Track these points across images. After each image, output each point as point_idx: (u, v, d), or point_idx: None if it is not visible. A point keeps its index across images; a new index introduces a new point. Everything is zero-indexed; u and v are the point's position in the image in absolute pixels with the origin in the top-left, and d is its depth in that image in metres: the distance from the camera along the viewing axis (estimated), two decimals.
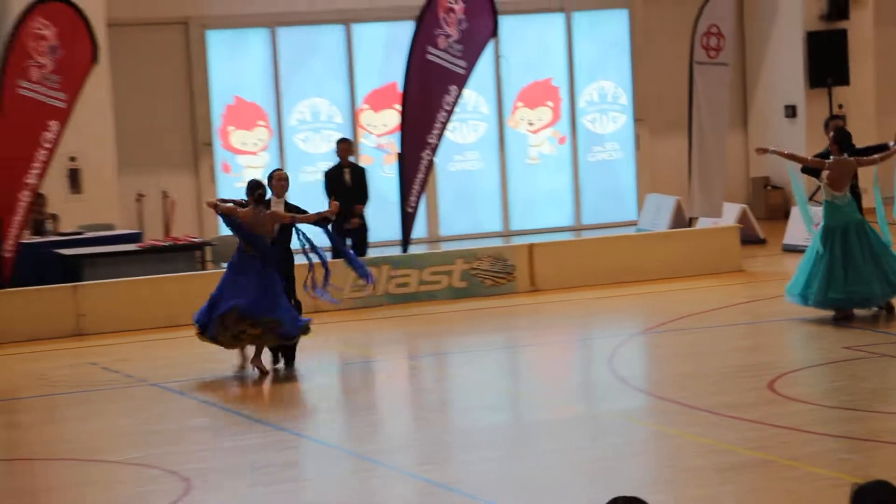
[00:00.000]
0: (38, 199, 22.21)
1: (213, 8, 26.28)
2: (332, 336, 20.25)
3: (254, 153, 26.91)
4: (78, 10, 20.94)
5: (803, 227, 24.11)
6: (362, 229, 22.37)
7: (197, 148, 26.39)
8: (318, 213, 18.26)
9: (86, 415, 16.58)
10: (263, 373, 17.73)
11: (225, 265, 23.01)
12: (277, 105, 26.81)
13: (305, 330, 17.78)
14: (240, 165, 26.91)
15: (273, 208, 18.05)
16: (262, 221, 17.56)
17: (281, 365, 18.13)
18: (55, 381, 18.25)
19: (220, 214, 18.07)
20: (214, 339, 17.82)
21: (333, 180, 22.45)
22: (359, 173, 22.66)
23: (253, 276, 17.59)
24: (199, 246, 23.07)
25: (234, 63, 26.81)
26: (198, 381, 17.85)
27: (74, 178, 24.17)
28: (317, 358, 19.46)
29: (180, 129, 26.34)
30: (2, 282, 20.97)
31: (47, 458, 14.97)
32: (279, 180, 18.46)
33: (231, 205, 17.84)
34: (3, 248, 20.93)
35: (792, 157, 19.87)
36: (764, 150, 20.03)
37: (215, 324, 17.67)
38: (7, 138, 20.64)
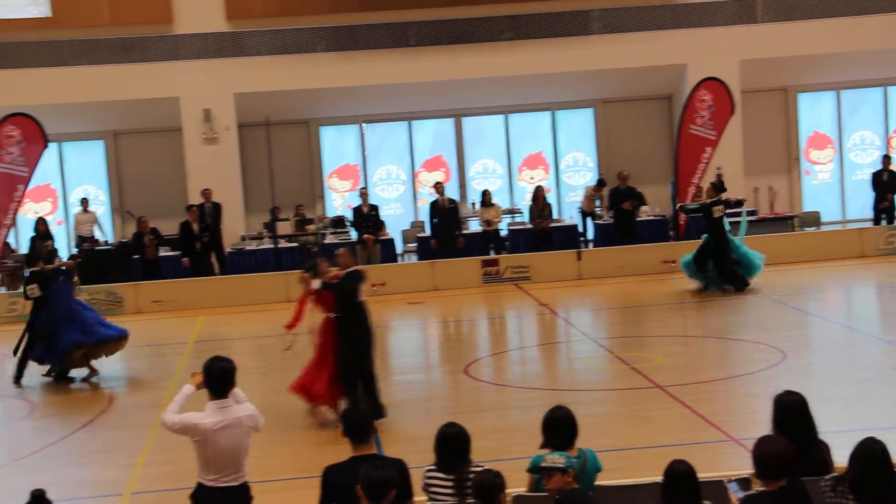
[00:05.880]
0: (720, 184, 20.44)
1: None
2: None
3: (823, 164, 25.36)
4: (724, 84, 19.94)
5: None
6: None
7: (790, 160, 25.11)
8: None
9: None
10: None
11: (810, 230, 22.23)
12: (839, 133, 25.32)
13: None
14: (815, 172, 25.32)
15: None
16: None
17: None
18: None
19: None
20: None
21: None
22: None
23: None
24: (790, 217, 22.42)
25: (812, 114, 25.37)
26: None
27: (719, 182, 22.39)
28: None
29: (780, 151, 25.02)
30: (679, 237, 20.71)
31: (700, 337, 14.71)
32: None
33: None
34: (677, 215, 20.50)
35: None
36: None
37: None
38: (683, 161, 19.95)
